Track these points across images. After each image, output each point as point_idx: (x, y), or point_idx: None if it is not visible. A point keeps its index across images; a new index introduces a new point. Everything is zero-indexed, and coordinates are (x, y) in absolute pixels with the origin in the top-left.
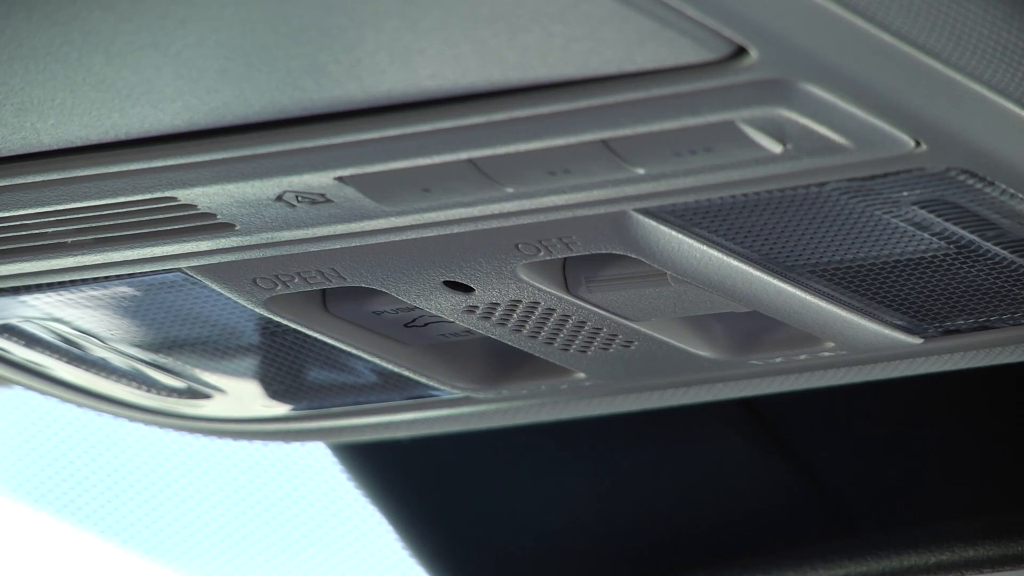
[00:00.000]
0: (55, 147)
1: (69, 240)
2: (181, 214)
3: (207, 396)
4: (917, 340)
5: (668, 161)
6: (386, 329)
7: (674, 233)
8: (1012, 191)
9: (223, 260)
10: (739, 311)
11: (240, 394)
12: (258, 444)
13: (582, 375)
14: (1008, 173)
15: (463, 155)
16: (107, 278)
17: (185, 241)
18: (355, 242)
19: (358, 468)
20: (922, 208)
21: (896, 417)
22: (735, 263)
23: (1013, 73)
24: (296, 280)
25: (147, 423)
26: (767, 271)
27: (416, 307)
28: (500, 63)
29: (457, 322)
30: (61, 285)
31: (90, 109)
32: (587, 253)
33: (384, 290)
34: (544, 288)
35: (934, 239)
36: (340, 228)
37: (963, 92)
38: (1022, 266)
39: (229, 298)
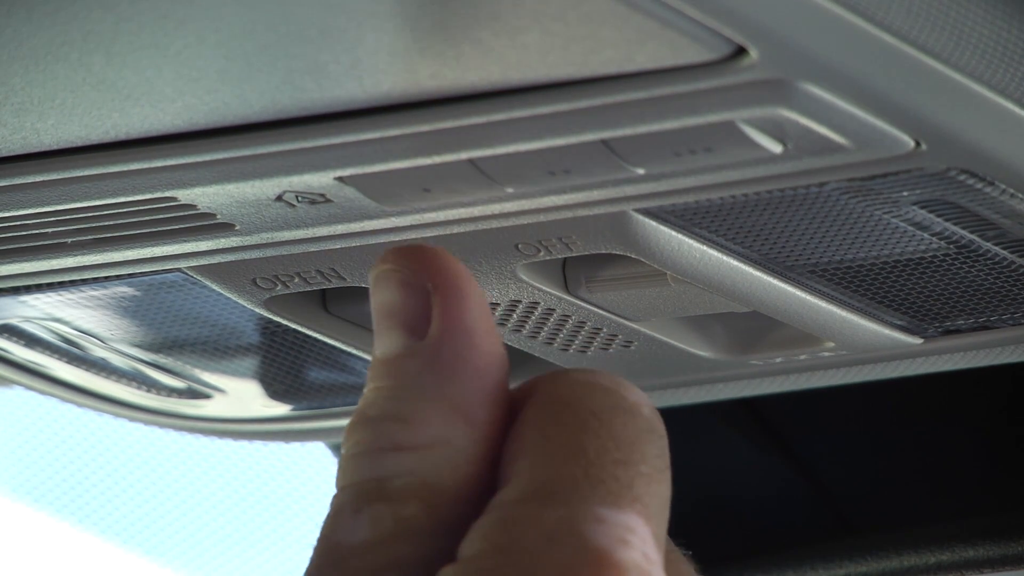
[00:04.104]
0: (55, 147)
1: (69, 240)
2: (181, 214)
3: (207, 396)
4: (917, 340)
5: (668, 161)
6: None
7: (674, 233)
8: (1012, 191)
9: (223, 260)
10: (739, 311)
11: (240, 394)
12: (258, 444)
13: None
14: (1008, 173)
15: (463, 155)
16: (107, 278)
17: (185, 241)
18: (355, 242)
19: None
20: (922, 208)
21: (896, 417)
22: (735, 263)
23: (1013, 73)
24: (296, 280)
25: (147, 423)
26: (767, 271)
27: None
28: (500, 63)
29: None
30: (61, 285)
31: (90, 109)
32: (587, 253)
33: None
34: (544, 288)
35: (934, 239)
36: (340, 228)
37: (963, 92)
38: (1022, 266)
39: (229, 298)
